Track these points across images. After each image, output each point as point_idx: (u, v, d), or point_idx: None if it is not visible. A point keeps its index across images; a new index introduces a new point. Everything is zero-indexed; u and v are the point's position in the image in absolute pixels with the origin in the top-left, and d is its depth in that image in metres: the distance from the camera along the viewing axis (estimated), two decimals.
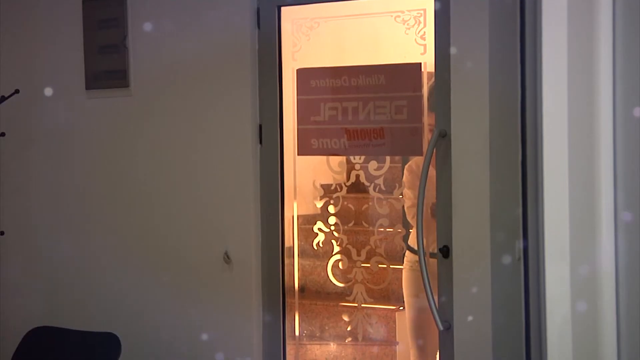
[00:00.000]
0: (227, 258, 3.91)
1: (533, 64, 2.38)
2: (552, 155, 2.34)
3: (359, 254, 3.86)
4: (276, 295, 3.83)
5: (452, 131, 3.39)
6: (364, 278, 3.84)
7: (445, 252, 3.42)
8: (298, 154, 3.95)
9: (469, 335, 3.30)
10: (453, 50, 3.35)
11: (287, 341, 3.99)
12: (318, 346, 4.04)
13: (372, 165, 3.84)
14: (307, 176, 3.98)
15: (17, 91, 3.59)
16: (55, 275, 4.40)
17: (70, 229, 4.35)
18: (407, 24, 3.83)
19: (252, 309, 3.86)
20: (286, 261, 3.95)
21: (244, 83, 3.85)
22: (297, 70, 3.89)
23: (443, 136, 3.40)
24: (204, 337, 3.94)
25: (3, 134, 3.57)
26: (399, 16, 3.86)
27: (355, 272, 3.86)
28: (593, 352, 2.32)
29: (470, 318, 3.25)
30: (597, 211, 2.33)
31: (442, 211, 3.43)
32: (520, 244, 2.48)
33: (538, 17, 2.32)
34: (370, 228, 3.85)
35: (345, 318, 3.84)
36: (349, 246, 3.88)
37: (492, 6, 3.04)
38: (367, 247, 3.85)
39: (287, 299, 3.91)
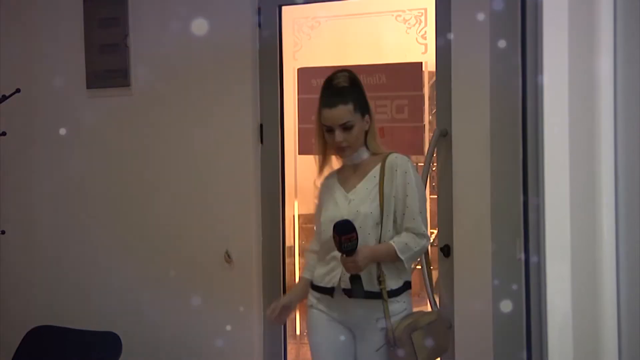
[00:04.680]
0: (227, 257, 3.91)
1: (534, 63, 2.38)
2: (553, 154, 2.35)
3: None
4: (277, 295, 3.82)
5: (452, 130, 3.39)
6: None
7: (445, 251, 3.42)
8: (299, 153, 3.95)
9: (470, 333, 3.31)
10: (454, 49, 3.35)
11: (288, 340, 3.99)
12: None
13: None
14: (308, 175, 3.94)
15: (18, 90, 3.58)
16: (56, 274, 4.40)
17: (71, 228, 4.36)
18: (408, 24, 3.85)
19: (253, 308, 3.86)
20: (287, 260, 3.95)
21: (245, 82, 3.84)
22: (298, 69, 3.89)
23: (444, 135, 3.40)
24: (205, 335, 3.94)
25: (4, 133, 3.56)
26: (399, 15, 3.88)
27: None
28: (593, 351, 2.33)
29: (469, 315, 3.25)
30: (597, 210, 2.33)
31: (442, 210, 3.43)
32: (521, 243, 2.48)
33: (539, 17, 2.32)
34: None
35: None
36: None
37: (493, 5, 3.04)
38: None
39: None
